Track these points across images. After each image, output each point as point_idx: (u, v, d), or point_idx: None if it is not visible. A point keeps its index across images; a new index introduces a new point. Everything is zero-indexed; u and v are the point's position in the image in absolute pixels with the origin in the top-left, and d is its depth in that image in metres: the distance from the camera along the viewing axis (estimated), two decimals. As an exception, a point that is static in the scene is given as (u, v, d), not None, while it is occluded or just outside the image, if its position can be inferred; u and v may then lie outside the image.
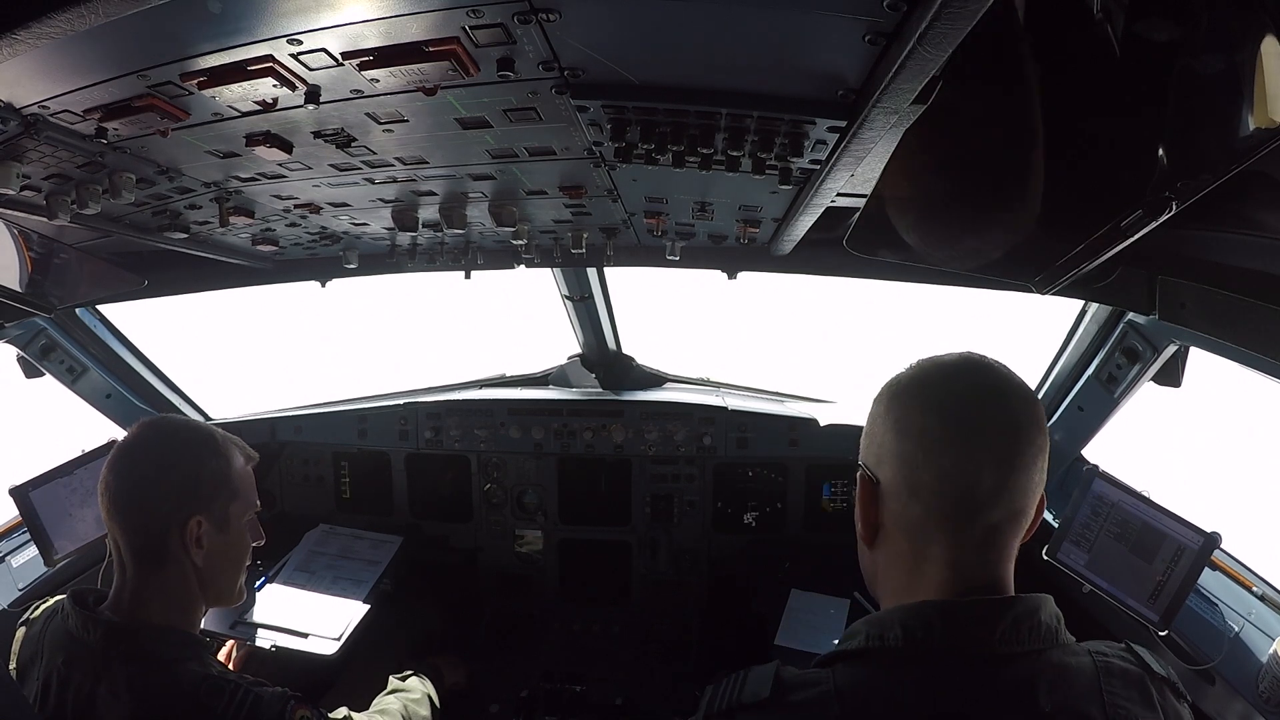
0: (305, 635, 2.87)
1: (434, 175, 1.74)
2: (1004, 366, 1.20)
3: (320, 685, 2.87)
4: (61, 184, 1.60)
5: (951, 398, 1.16)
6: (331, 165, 1.65)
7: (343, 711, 2.05)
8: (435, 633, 3.47)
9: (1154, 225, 1.36)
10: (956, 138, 1.46)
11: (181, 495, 1.72)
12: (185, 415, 1.84)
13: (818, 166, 1.50)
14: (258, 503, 1.89)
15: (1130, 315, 2.32)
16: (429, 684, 2.48)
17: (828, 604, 3.01)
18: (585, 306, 3.31)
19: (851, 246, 1.93)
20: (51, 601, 1.79)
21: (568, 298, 3.29)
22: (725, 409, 3.49)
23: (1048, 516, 2.55)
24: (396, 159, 1.62)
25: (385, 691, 2.42)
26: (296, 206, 1.98)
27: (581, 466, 3.59)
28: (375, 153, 1.57)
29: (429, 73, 1.15)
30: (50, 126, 1.34)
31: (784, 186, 1.65)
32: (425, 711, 2.32)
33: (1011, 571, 1.17)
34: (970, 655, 1.08)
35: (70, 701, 1.59)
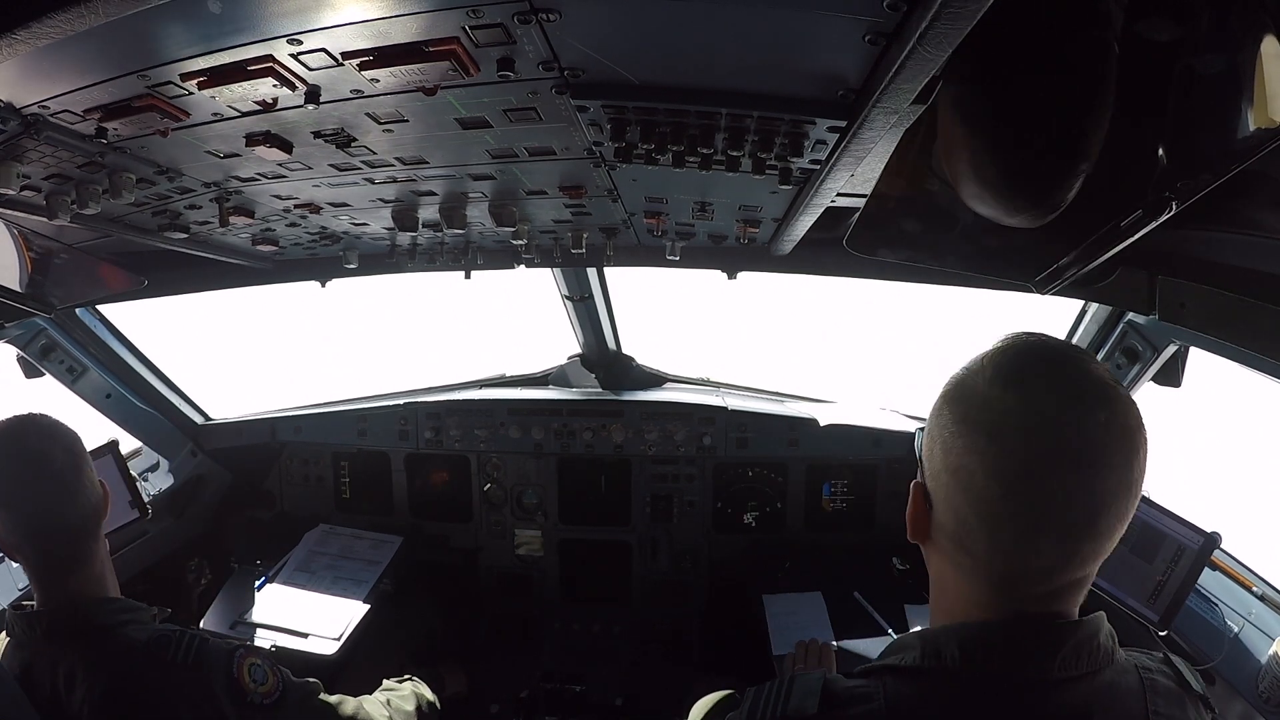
0: (305, 635, 2.87)
1: (434, 175, 1.74)
2: (1112, 411, 0.96)
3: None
4: (61, 184, 1.60)
5: (1026, 467, 0.96)
6: (331, 165, 1.65)
7: (314, 683, 2.03)
8: (435, 633, 3.47)
9: (1154, 225, 1.36)
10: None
11: (94, 496, 1.79)
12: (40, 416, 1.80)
13: (818, 166, 1.50)
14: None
15: (1130, 315, 2.32)
16: (422, 685, 2.48)
17: (804, 601, 3.04)
18: (585, 306, 3.32)
19: (851, 246, 1.93)
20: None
21: (568, 298, 3.29)
22: (725, 409, 3.50)
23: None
24: (396, 159, 1.62)
25: (377, 690, 2.42)
26: (296, 206, 1.98)
27: (581, 466, 3.59)
28: (375, 153, 1.57)
29: (429, 73, 1.15)
30: (50, 126, 1.34)
31: (784, 186, 1.65)
32: (409, 707, 2.32)
33: (1077, 606, 1.07)
34: (1029, 681, 1.02)
35: (41, 698, 1.64)
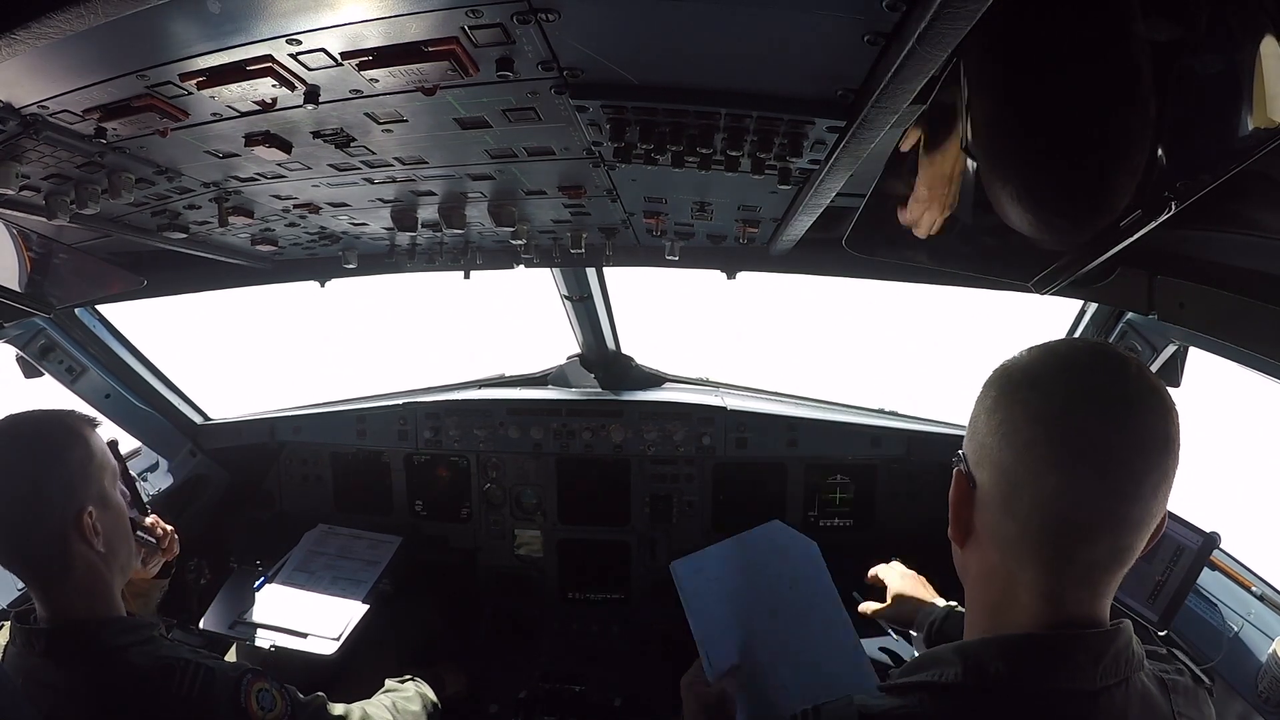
0: (304, 635, 2.87)
1: (433, 175, 1.74)
2: (1139, 368, 1.05)
3: (319, 685, 2.87)
4: (61, 184, 1.60)
5: (1065, 408, 1.02)
6: (331, 165, 1.65)
7: (320, 697, 2.01)
8: (434, 633, 3.46)
9: (1153, 225, 1.36)
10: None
11: (65, 498, 1.66)
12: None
13: (817, 166, 1.50)
14: (115, 462, 1.83)
15: (1129, 315, 2.32)
16: (425, 685, 2.47)
17: None
18: (584, 306, 3.32)
19: (850, 246, 1.93)
20: (5, 628, 1.77)
21: (567, 298, 3.29)
22: (724, 409, 3.50)
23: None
24: (396, 159, 1.62)
25: (380, 692, 2.42)
26: (295, 206, 1.98)
27: (580, 466, 3.59)
28: (374, 153, 1.57)
29: (428, 73, 1.15)
30: (49, 126, 1.34)
31: (783, 186, 1.65)
32: (416, 707, 2.32)
33: (1109, 607, 1.08)
34: (1074, 692, 1.02)
35: (44, 715, 1.59)
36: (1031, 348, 1.12)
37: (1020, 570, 1.07)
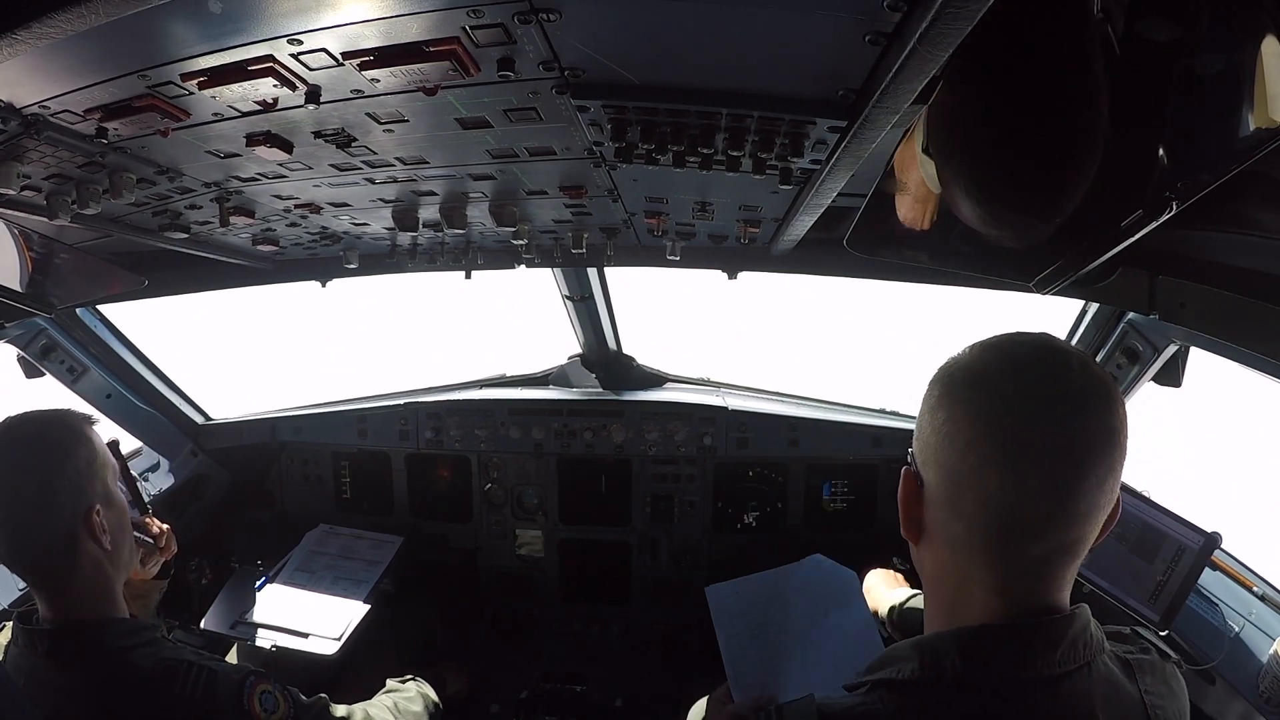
0: (306, 635, 2.87)
1: (434, 175, 1.74)
2: (1082, 362, 1.04)
3: (321, 685, 2.88)
4: (62, 184, 1.60)
5: (1006, 407, 1.01)
6: (332, 165, 1.66)
7: (323, 699, 2.01)
8: (435, 633, 3.47)
9: (1154, 225, 1.36)
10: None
11: (73, 497, 1.67)
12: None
13: (818, 166, 1.50)
14: (114, 460, 1.84)
15: (1130, 315, 2.32)
16: (426, 685, 2.47)
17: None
18: (585, 306, 3.32)
19: (851, 246, 1.93)
20: (7, 629, 1.77)
21: (568, 298, 3.30)
22: (725, 409, 3.50)
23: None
24: (397, 159, 1.62)
25: (381, 692, 2.42)
26: (297, 206, 1.98)
27: (581, 466, 3.60)
28: (376, 153, 1.58)
29: (429, 73, 1.15)
30: (51, 126, 1.34)
31: (784, 186, 1.65)
32: (417, 708, 2.32)
33: (1067, 595, 1.08)
34: (1033, 679, 1.02)
35: (45, 716, 1.58)
36: (973, 345, 1.11)
37: (971, 568, 1.07)
